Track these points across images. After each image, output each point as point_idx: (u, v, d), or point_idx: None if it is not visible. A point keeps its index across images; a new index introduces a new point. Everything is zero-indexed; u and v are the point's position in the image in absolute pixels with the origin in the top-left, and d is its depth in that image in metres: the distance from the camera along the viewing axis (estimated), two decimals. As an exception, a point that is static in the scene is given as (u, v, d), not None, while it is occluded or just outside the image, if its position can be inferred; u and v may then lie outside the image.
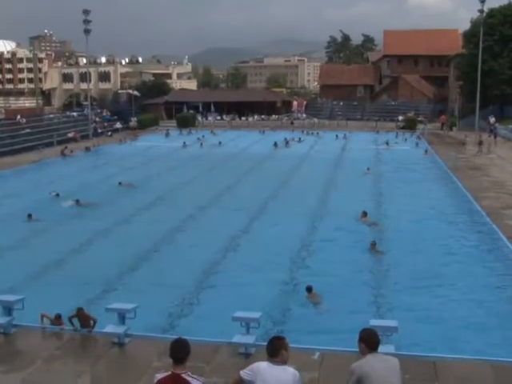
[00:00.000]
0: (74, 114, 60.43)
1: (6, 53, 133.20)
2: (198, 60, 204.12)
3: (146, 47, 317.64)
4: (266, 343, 5.46)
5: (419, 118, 57.40)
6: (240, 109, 66.58)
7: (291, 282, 13.97)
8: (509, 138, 43.08)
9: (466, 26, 59.08)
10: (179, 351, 5.12)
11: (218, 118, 65.29)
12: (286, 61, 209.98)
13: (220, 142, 44.71)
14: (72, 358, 9.48)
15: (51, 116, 58.57)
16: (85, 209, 22.35)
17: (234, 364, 8.45)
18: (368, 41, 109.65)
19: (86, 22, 47.53)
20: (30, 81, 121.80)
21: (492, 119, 48.50)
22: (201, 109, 66.67)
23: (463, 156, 35.45)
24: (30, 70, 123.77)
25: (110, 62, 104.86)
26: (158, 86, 76.88)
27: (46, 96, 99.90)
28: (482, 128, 45.85)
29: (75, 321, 10.55)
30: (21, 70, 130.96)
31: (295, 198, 24.05)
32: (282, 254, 16.10)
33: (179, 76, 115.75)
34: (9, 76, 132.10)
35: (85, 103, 65.62)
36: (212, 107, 66.59)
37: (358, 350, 5.62)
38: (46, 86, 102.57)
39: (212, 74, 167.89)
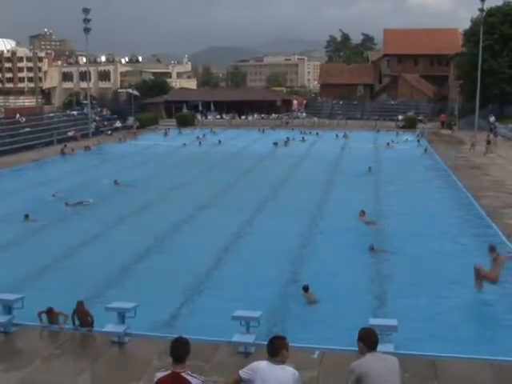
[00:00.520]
0: (74, 112, 60.45)
1: (5, 52, 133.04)
2: (198, 59, 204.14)
3: (145, 46, 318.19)
4: (265, 342, 5.47)
5: (419, 117, 57.41)
6: (240, 108, 66.55)
7: (291, 280, 13.97)
8: (508, 137, 43.07)
9: (466, 25, 59.17)
10: (179, 350, 5.14)
11: (218, 116, 65.26)
12: (285, 60, 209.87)
13: (220, 141, 44.72)
14: (72, 356, 9.50)
15: (51, 115, 58.61)
16: (84, 208, 22.35)
17: (234, 363, 8.46)
18: (368, 40, 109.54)
19: (86, 20, 47.50)
20: (30, 80, 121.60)
21: (492, 118, 48.51)
22: (200, 108, 66.65)
23: (463, 155, 35.44)
24: (29, 69, 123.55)
25: (109, 61, 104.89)
26: (157, 85, 76.87)
27: (46, 95, 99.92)
28: (481, 127, 45.83)
29: (75, 318, 10.55)
30: (21, 69, 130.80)
31: (295, 197, 24.04)
32: (282, 253, 16.11)
33: (179, 75, 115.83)
34: (9, 75, 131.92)
35: (85, 102, 65.55)
36: (212, 106, 66.55)
37: (357, 349, 5.63)
38: (46, 84, 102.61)
39: (212, 72, 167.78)
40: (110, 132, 51.28)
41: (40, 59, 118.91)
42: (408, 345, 9.58)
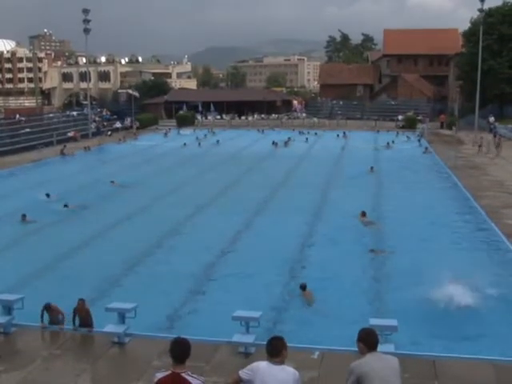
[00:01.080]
0: (74, 113, 60.55)
1: (5, 52, 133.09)
2: (198, 59, 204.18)
3: (145, 47, 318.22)
4: (265, 342, 5.47)
5: (419, 118, 57.42)
6: (240, 108, 66.59)
7: (291, 281, 13.97)
8: (508, 138, 43.05)
9: (465, 25, 59.23)
10: (179, 350, 5.13)
11: (218, 117, 65.30)
12: (285, 60, 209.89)
13: (218, 141, 44.76)
14: (72, 357, 9.50)
15: (51, 115, 58.69)
16: (81, 208, 22.33)
17: (234, 363, 8.46)
18: (368, 40, 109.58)
19: (86, 21, 47.50)
20: (30, 80, 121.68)
21: (491, 118, 48.52)
22: (200, 108, 66.68)
23: (462, 155, 35.43)
24: (29, 70, 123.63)
25: (109, 62, 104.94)
26: (157, 86, 76.87)
27: (46, 95, 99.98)
28: (481, 127, 45.83)
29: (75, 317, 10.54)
30: (20, 70, 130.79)
31: (295, 197, 24.04)
32: (282, 254, 16.10)
33: (179, 75, 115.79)
34: (8, 75, 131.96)
35: (84, 103, 65.65)
36: (212, 106, 66.58)
37: (357, 349, 5.63)
38: (46, 85, 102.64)
39: (212, 73, 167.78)
40: (109, 133, 51.30)
41: (40, 60, 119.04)
42: (408, 345, 9.57)
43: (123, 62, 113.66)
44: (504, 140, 41.41)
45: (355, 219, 19.54)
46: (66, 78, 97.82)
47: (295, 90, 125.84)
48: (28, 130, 44.95)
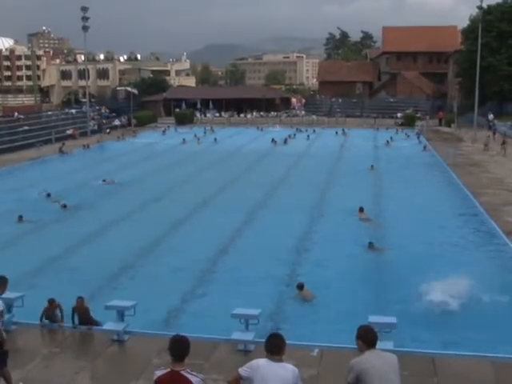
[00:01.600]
0: (73, 111, 60.50)
1: (4, 50, 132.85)
2: (197, 57, 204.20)
3: (144, 44, 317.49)
4: (264, 340, 5.46)
5: (418, 115, 57.41)
6: (239, 106, 66.55)
7: (290, 278, 13.96)
8: (509, 135, 43.01)
9: (464, 22, 59.21)
10: (178, 348, 5.13)
11: (217, 114, 65.26)
12: (284, 57, 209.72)
13: (215, 139, 44.70)
14: (71, 355, 9.50)
15: (49, 113, 58.60)
16: (81, 205, 22.31)
17: (233, 361, 8.46)
18: (367, 37, 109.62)
19: (84, 18, 47.44)
20: (29, 78, 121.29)
21: (490, 116, 48.52)
22: (199, 106, 66.63)
23: (462, 152, 35.42)
24: (28, 68, 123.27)
25: (108, 59, 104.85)
26: (156, 83, 76.78)
27: (45, 93, 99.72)
28: (480, 125, 45.83)
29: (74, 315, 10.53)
30: (19, 68, 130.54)
31: (294, 195, 24.04)
32: (281, 251, 16.11)
33: (178, 73, 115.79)
34: (7, 73, 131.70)
35: (83, 100, 65.52)
36: (210, 104, 66.53)
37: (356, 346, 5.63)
38: (45, 83, 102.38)
39: (210, 70, 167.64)
40: (108, 130, 51.26)
41: (38, 57, 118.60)
42: (407, 342, 9.58)
43: (122, 59, 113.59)
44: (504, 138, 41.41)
45: (353, 216, 19.54)
46: (65, 75, 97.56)
47: (294, 87, 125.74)
48: (26, 127, 44.89)
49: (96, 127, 51.07)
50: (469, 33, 53.68)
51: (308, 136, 46.07)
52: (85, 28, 47.67)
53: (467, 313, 11.79)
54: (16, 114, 49.97)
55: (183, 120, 59.04)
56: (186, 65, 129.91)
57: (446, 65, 70.88)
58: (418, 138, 43.97)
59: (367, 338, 5.49)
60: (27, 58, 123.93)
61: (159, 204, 23.01)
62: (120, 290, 13.17)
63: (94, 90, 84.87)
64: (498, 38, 51.61)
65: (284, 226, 18.85)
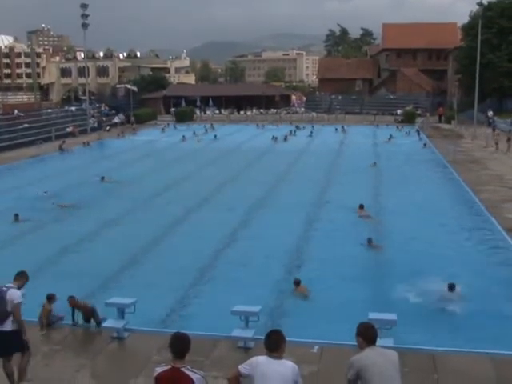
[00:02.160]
0: (73, 108, 60.44)
1: (3, 47, 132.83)
2: (196, 54, 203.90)
3: (144, 41, 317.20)
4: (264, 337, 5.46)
5: (418, 112, 57.38)
6: (238, 103, 66.54)
7: (290, 275, 13.96)
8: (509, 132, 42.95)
9: (464, 19, 59.21)
10: (179, 345, 5.14)
11: (217, 112, 65.22)
12: (284, 55, 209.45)
13: (215, 136, 44.67)
14: (72, 352, 9.51)
15: (49, 111, 58.51)
16: (81, 203, 22.28)
17: (233, 358, 8.48)
18: (367, 34, 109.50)
19: (84, 16, 47.37)
20: (28, 75, 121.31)
21: (490, 113, 48.48)
22: (199, 103, 66.58)
23: (462, 149, 35.38)
24: (27, 65, 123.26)
25: (108, 57, 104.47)
26: (156, 81, 76.73)
27: (44, 91, 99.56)
28: (480, 121, 45.81)
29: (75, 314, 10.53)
30: (19, 65, 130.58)
31: (294, 192, 24.03)
32: (281, 248, 16.09)
33: (177, 70, 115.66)
34: (7, 71, 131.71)
35: (83, 98, 65.46)
36: (210, 101, 66.49)
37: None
38: (44, 80, 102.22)
39: (210, 68, 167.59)
40: (108, 128, 51.23)
41: (38, 55, 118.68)
42: (407, 338, 9.58)
43: (121, 56, 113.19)
44: (503, 134, 41.38)
45: (353, 213, 19.53)
46: (65, 73, 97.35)
47: (294, 84, 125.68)
48: (26, 125, 44.81)
49: (96, 125, 51.06)
50: (469, 29, 53.58)
51: (311, 133, 46.02)
52: (84, 25, 47.59)
53: (467, 309, 11.81)
54: (16, 111, 49.91)
55: (183, 117, 58.99)
56: (186, 62, 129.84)
57: (445, 61, 70.83)
58: (419, 134, 43.95)
59: (367, 334, 5.50)
60: (27, 55, 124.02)
61: (159, 201, 22.98)
62: (119, 288, 13.16)
63: (94, 88, 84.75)
64: (499, 35, 51.53)
65: (284, 223, 18.83)
